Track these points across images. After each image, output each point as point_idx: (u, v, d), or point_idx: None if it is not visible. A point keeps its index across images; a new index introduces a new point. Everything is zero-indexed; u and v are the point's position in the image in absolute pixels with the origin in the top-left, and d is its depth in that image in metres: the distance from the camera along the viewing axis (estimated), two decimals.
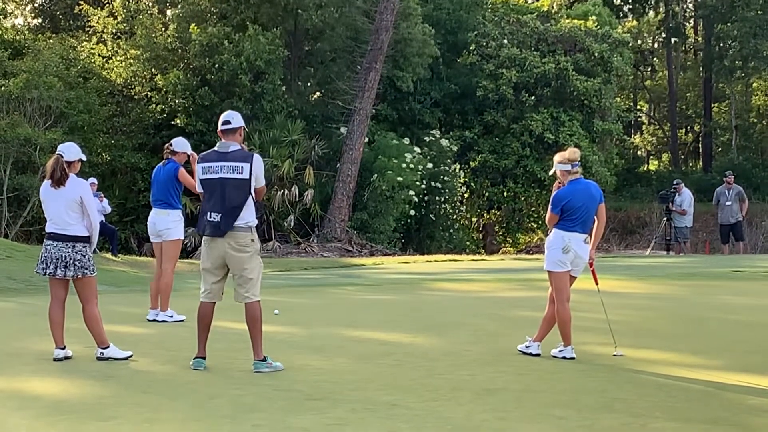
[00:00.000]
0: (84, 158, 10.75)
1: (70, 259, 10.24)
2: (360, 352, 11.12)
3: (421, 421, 7.83)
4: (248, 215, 9.83)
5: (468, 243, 41.76)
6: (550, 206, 10.85)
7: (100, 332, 10.42)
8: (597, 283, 11.27)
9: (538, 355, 10.83)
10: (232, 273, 9.97)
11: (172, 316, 13.85)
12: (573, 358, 10.65)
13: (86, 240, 10.37)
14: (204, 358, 9.97)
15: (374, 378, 9.57)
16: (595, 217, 10.87)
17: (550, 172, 11.26)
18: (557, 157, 11.01)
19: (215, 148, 9.98)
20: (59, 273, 10.28)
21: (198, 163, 10.02)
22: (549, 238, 10.92)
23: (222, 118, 10.08)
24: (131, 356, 10.47)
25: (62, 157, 10.38)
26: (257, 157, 9.95)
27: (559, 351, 10.78)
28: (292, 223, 34.54)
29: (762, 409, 8.40)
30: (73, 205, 10.25)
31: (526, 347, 10.97)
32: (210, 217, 9.80)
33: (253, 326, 9.87)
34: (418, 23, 38.46)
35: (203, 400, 8.53)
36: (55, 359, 10.30)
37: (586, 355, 10.87)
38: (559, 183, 10.93)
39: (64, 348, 10.41)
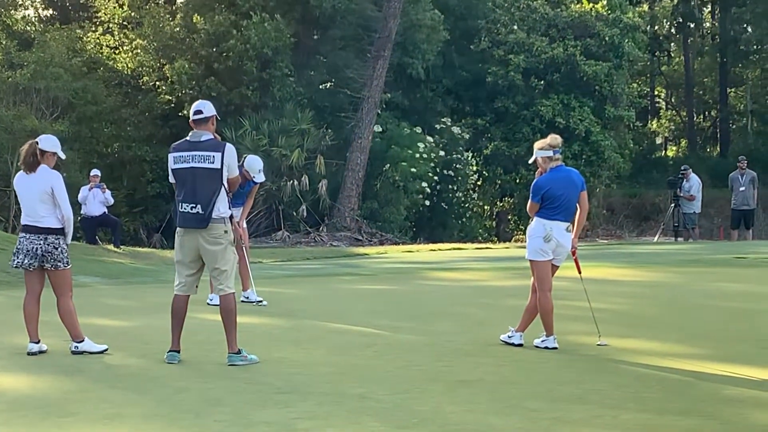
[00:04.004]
0: (62, 156, 10.66)
1: (41, 251, 10.14)
2: (339, 344, 10.99)
3: (387, 414, 7.72)
4: (222, 206, 9.69)
5: (480, 231, 41.62)
6: (530, 194, 10.66)
7: (74, 326, 10.30)
8: (580, 272, 11.07)
9: (520, 345, 10.67)
10: (207, 265, 9.85)
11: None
12: (555, 348, 10.48)
13: (59, 232, 10.25)
14: (178, 351, 9.83)
15: (349, 370, 9.44)
16: (578, 205, 10.67)
17: (531, 161, 11.05)
18: (538, 144, 10.85)
19: (187, 138, 9.86)
20: (31, 264, 10.18)
21: (170, 153, 9.88)
22: (530, 226, 10.74)
23: (193, 107, 9.97)
24: (106, 350, 10.35)
25: (38, 144, 10.31)
26: (230, 147, 9.82)
27: (542, 341, 10.61)
28: (305, 213, 34.38)
29: (737, 399, 8.22)
30: (45, 197, 10.14)
31: (509, 337, 10.81)
32: (183, 208, 9.67)
33: (227, 318, 9.72)
34: (428, 9, 38.18)
35: (170, 395, 8.43)
36: (29, 353, 10.18)
37: (570, 344, 10.71)
38: (541, 170, 10.73)
39: (38, 342, 10.29)
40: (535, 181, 10.70)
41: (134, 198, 35.89)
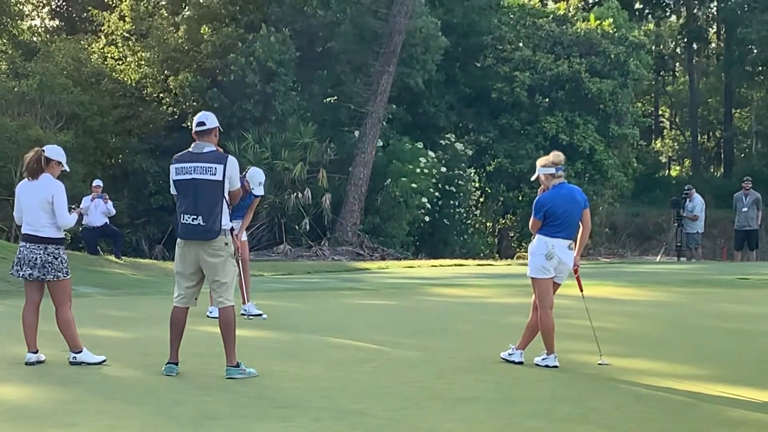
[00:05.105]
0: (67, 169, 10.60)
1: (41, 261, 10.09)
2: (339, 359, 10.91)
3: (385, 431, 7.67)
4: (223, 218, 9.64)
5: (482, 247, 41.51)
6: (533, 211, 10.61)
7: (73, 336, 10.24)
8: (581, 290, 11.00)
9: (520, 363, 10.59)
10: (206, 278, 9.79)
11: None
12: (556, 367, 10.39)
13: (59, 242, 10.22)
14: (176, 364, 9.77)
15: (348, 385, 9.38)
16: (580, 223, 10.60)
17: (533, 177, 10.99)
18: (541, 161, 10.77)
19: (189, 149, 9.81)
20: (30, 274, 10.13)
21: (172, 164, 9.83)
22: (532, 244, 10.68)
23: (196, 119, 9.92)
24: (105, 361, 10.29)
25: (43, 152, 10.28)
26: (232, 159, 9.76)
27: (542, 359, 10.53)
28: (307, 227, 34.34)
29: (739, 421, 8.13)
30: (45, 205, 10.10)
31: (509, 355, 10.73)
32: (185, 220, 9.61)
33: (226, 331, 9.66)
34: (424, 17, 38.02)
35: (167, 407, 8.36)
36: (27, 363, 10.12)
37: (570, 363, 10.62)
38: (543, 188, 10.67)
39: (36, 352, 10.23)
40: (537, 198, 10.65)
41: (137, 209, 35.85)
